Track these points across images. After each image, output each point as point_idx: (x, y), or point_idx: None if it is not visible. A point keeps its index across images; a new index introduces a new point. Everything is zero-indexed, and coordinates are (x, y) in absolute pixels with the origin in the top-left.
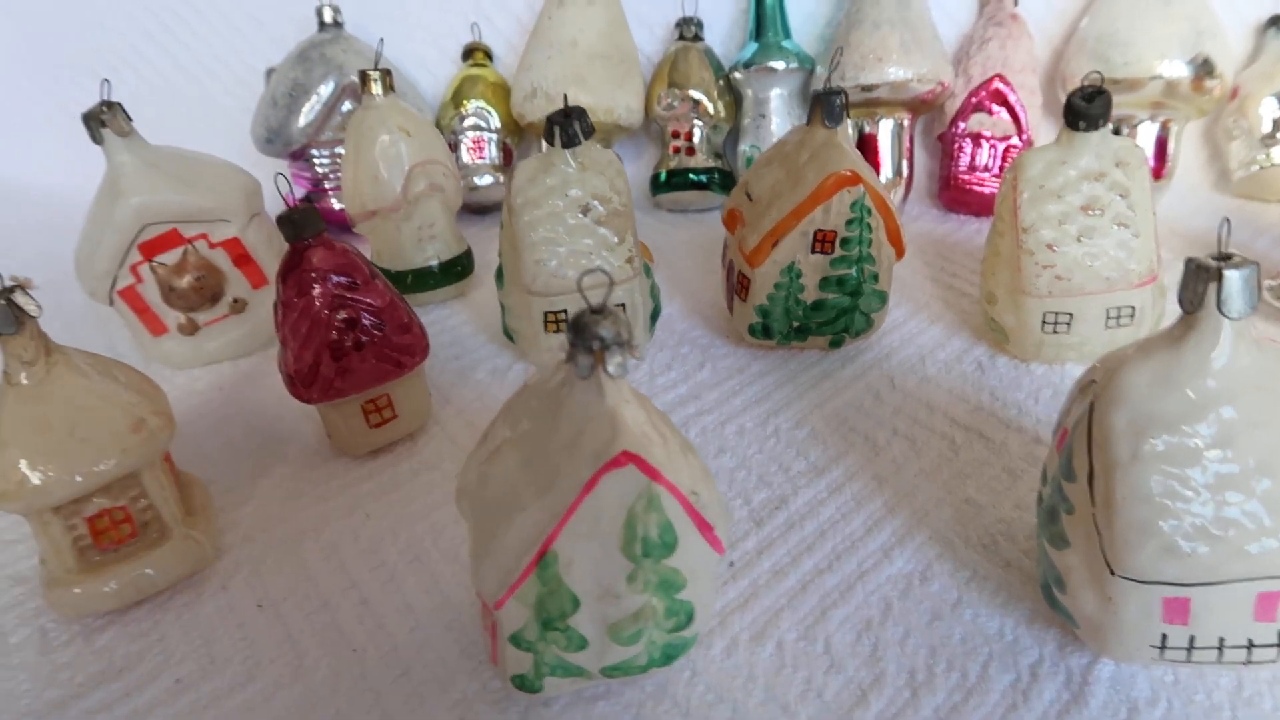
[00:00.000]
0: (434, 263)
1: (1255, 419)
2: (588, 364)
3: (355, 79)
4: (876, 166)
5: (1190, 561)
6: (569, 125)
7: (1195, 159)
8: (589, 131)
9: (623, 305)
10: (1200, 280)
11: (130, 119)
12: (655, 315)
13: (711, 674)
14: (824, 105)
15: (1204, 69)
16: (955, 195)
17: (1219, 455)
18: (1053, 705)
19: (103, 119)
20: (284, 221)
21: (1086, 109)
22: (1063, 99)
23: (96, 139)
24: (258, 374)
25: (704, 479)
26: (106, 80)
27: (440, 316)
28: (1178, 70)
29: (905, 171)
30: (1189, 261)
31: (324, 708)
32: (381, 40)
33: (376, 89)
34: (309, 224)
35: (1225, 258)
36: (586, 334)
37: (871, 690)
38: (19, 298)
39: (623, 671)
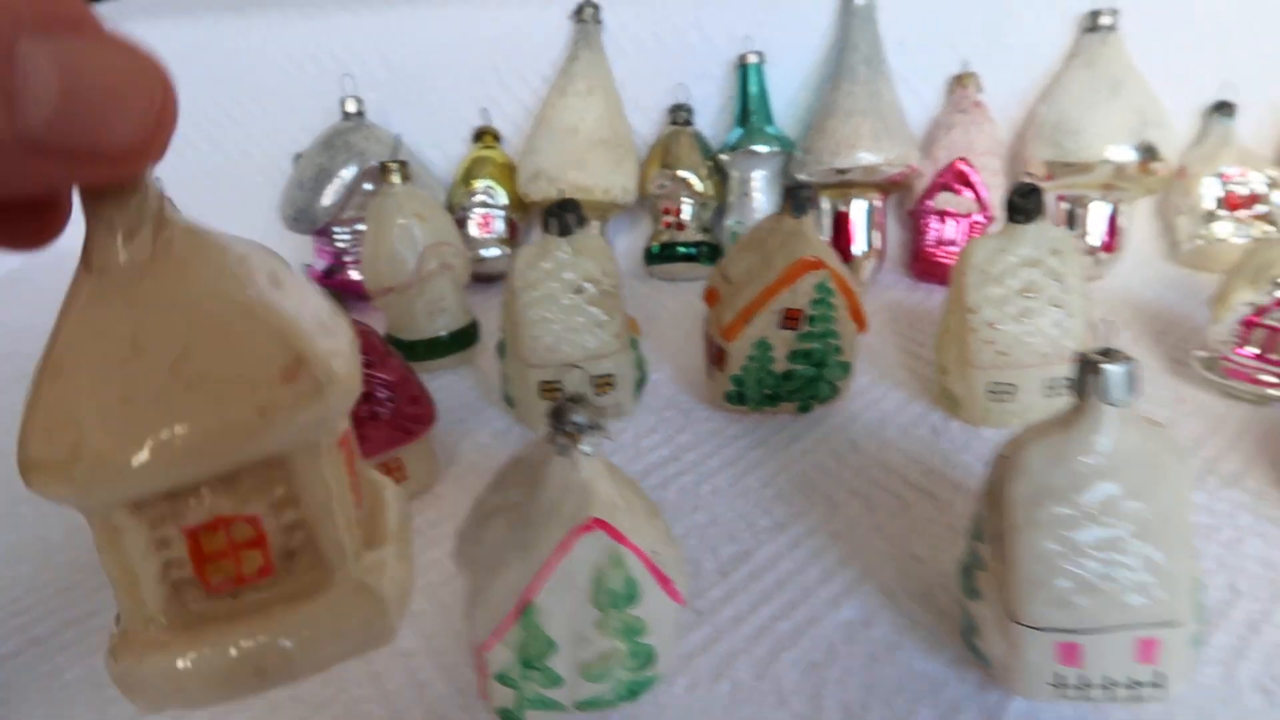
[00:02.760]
0: (444, 333)
1: (1135, 491)
2: (565, 443)
3: (375, 163)
4: (849, 242)
5: (1078, 611)
6: (564, 216)
7: (1148, 232)
8: (582, 221)
9: (611, 375)
10: (1085, 372)
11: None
12: (642, 383)
13: (674, 709)
14: (793, 198)
15: (1149, 154)
16: (924, 267)
17: (1102, 521)
18: None
19: None
20: None
21: (1023, 204)
22: (1024, 179)
23: None
24: None
25: (665, 540)
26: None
27: (449, 382)
28: (1125, 155)
29: (879, 245)
30: (1076, 355)
31: None
32: (398, 136)
33: (395, 178)
34: None
35: (1107, 353)
36: (565, 419)
37: None
38: None
39: (594, 706)
